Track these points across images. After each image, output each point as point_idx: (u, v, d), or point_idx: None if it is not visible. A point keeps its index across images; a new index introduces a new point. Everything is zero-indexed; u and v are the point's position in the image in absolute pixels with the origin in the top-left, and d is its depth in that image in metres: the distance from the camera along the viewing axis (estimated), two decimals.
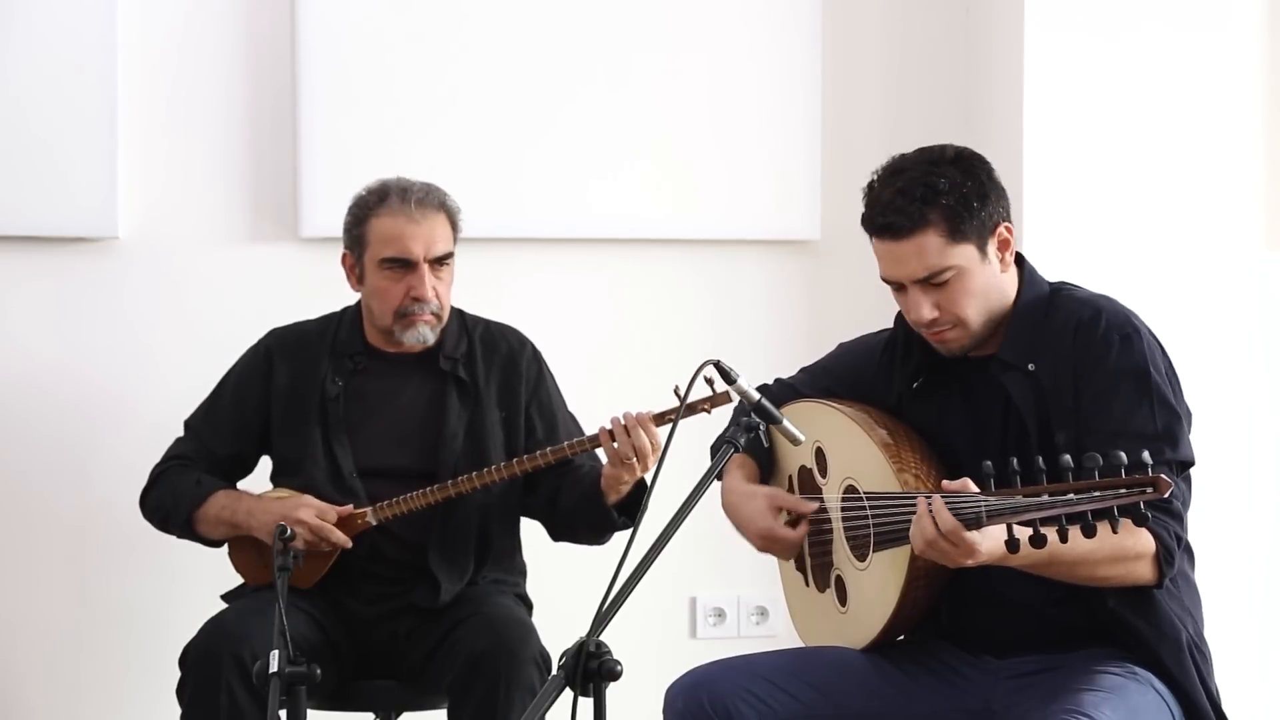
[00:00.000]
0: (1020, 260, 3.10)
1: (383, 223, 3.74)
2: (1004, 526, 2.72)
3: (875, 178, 3.05)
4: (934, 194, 2.96)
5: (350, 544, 3.68)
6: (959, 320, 3.01)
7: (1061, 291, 3.09)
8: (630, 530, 2.76)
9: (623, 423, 3.59)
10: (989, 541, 2.78)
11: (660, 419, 3.59)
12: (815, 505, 3.24)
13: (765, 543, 3.26)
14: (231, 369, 3.90)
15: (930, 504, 2.79)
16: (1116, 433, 2.71)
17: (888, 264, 3.03)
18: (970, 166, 3.02)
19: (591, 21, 4.49)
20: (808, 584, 3.32)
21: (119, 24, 4.24)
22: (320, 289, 4.01)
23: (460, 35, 4.43)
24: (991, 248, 3.01)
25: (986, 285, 3.01)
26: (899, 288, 3.04)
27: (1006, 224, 3.03)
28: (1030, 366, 3.01)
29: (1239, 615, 4.45)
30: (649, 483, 2.85)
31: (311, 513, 3.67)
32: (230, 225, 4.39)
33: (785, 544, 3.26)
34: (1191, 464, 2.99)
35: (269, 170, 4.39)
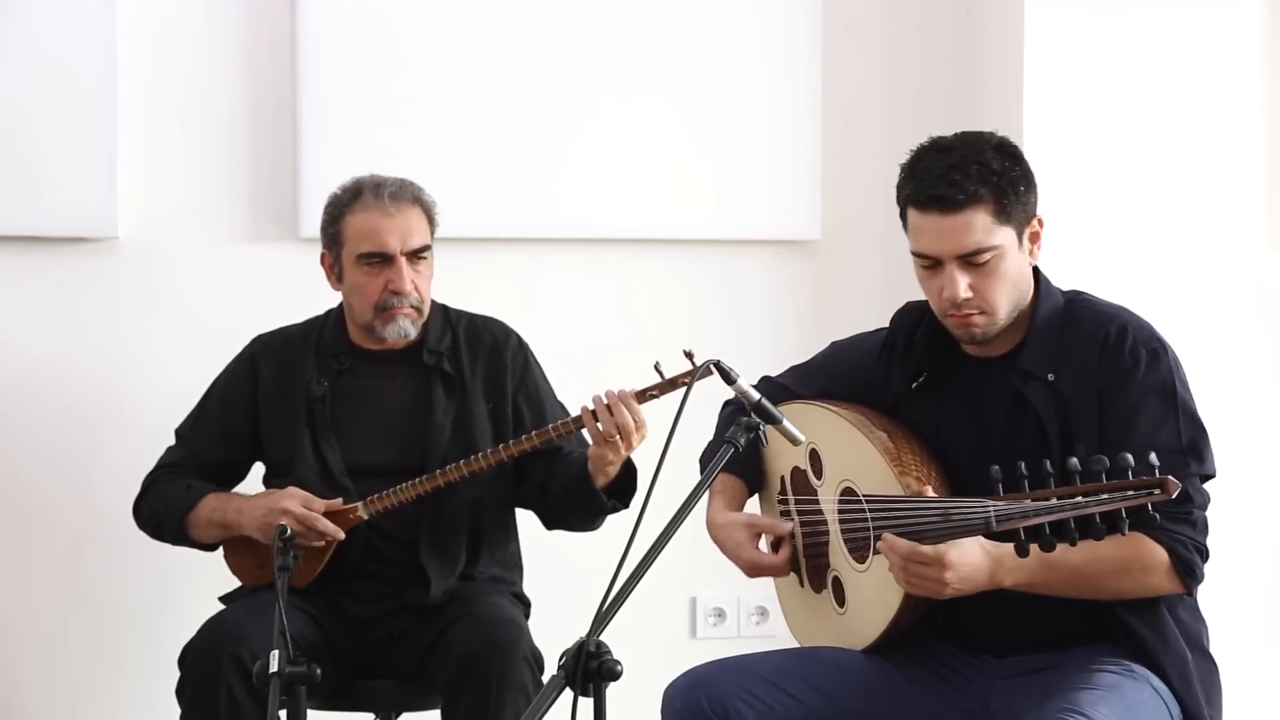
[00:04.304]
0: (1035, 268, 3.10)
1: (358, 218, 3.75)
2: (980, 538, 2.74)
3: (916, 154, 3.04)
4: (987, 172, 2.97)
5: (343, 535, 3.68)
6: (989, 306, 3.00)
7: (1078, 301, 3.09)
8: (630, 529, 2.75)
9: (604, 401, 3.60)
10: (959, 552, 2.80)
11: (642, 395, 3.60)
12: (789, 526, 3.25)
13: (752, 571, 3.28)
14: (218, 377, 3.91)
15: (886, 541, 2.83)
16: (1142, 447, 2.71)
17: (931, 238, 3.00)
18: (1013, 154, 3.04)
19: (591, 22, 4.49)
20: (803, 584, 3.32)
21: (119, 24, 4.24)
22: (320, 289, 4.00)
23: (460, 35, 4.42)
24: (1026, 236, 3.03)
25: (1019, 274, 3.02)
26: (931, 265, 3.02)
27: (1040, 216, 3.05)
28: (1050, 377, 3.01)
29: (1239, 617, 4.45)
30: (650, 475, 2.83)
31: (297, 502, 3.67)
32: (230, 225, 4.39)
33: (770, 569, 3.28)
34: (1213, 476, 2.99)
35: (269, 170, 4.39)
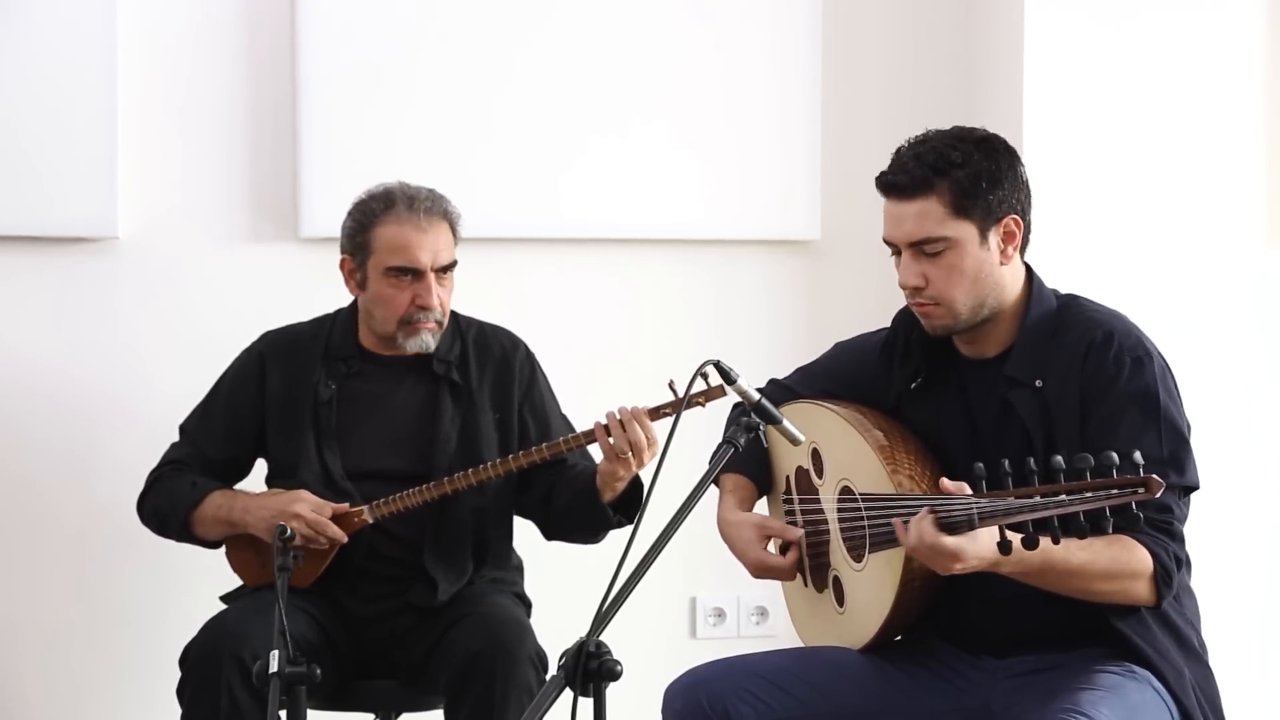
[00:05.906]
0: (1029, 271, 3.10)
1: (389, 230, 3.73)
2: (995, 529, 2.71)
3: (905, 142, 3.06)
4: (947, 164, 2.97)
5: (346, 538, 3.69)
6: (943, 299, 3.01)
7: (1072, 305, 3.07)
8: (630, 530, 2.75)
9: (618, 417, 3.60)
10: (975, 545, 2.77)
11: (655, 413, 3.60)
12: (800, 532, 3.25)
13: (759, 571, 3.27)
14: (225, 373, 3.90)
15: (920, 517, 2.79)
16: (1122, 455, 2.71)
17: (888, 224, 3.04)
18: (994, 151, 3.03)
19: (592, 23, 4.49)
20: (806, 583, 3.32)
21: (119, 24, 4.24)
22: (320, 289, 4.01)
23: (460, 36, 4.42)
24: (994, 235, 3.01)
25: (979, 270, 3.00)
26: (895, 252, 3.05)
27: (1015, 217, 3.02)
28: (1038, 383, 3.01)
29: (1239, 616, 4.45)
30: (649, 481, 2.84)
31: (307, 507, 3.67)
32: (230, 225, 4.39)
33: (778, 571, 3.26)
34: (1195, 489, 2.98)
35: (269, 170, 4.39)
